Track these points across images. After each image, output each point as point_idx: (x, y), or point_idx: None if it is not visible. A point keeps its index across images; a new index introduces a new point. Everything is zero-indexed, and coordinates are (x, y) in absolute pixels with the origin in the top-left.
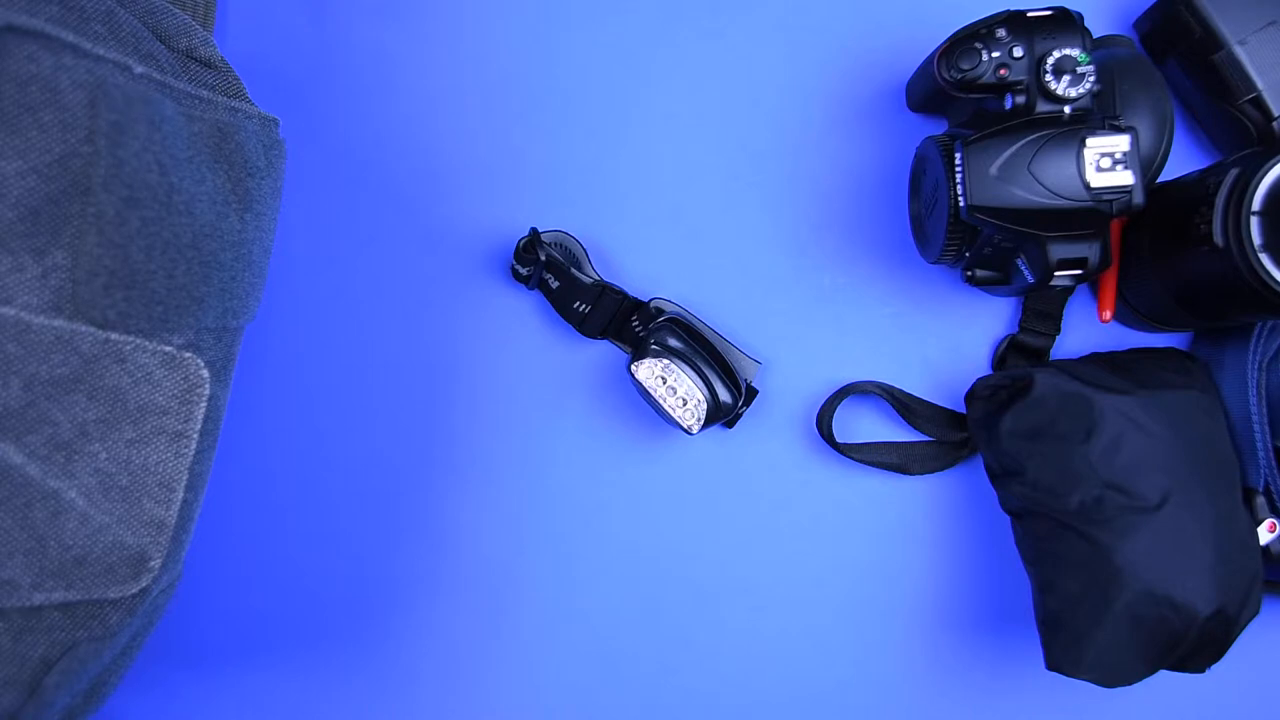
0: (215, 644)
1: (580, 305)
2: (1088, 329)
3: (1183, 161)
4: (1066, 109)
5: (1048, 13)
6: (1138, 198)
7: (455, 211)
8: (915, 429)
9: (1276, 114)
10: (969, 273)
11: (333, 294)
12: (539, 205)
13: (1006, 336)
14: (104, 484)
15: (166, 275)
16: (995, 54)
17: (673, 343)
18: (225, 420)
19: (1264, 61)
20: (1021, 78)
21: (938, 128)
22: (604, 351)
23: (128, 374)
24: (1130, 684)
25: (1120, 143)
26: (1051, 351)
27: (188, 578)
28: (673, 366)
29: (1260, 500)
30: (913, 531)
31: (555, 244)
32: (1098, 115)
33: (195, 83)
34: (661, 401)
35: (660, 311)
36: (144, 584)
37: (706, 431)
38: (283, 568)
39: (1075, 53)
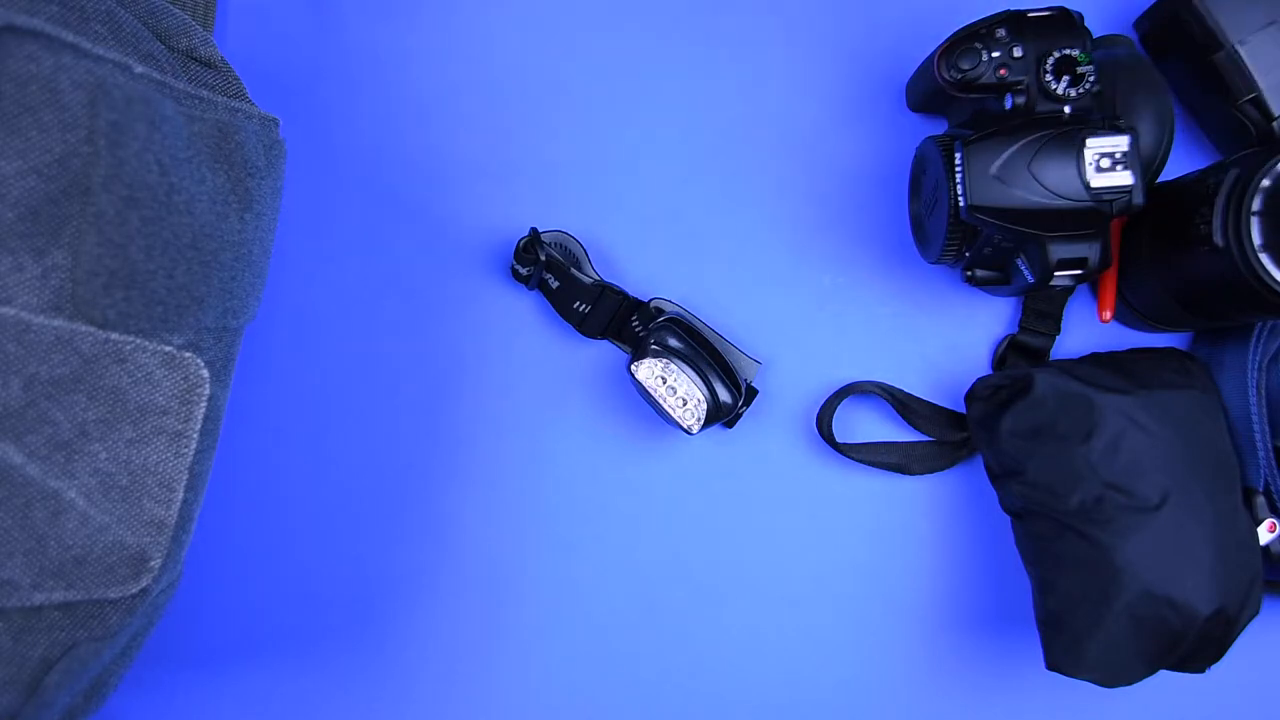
0: (215, 644)
1: (580, 305)
2: (1088, 329)
3: (1183, 161)
4: (1066, 109)
5: (1048, 13)
6: (1138, 198)
7: (455, 211)
8: (915, 429)
9: (1276, 114)
10: (969, 273)
11: (333, 294)
12: (539, 205)
13: (1006, 336)
14: (104, 484)
15: (166, 275)
16: (995, 54)
17: (673, 343)
18: (225, 420)
19: (1264, 61)
20: (1021, 78)
21: (938, 128)
22: (604, 351)
23: (128, 374)
24: (1130, 684)
25: (1120, 143)
26: (1051, 351)
27: (188, 578)
28: (673, 366)
29: (1260, 500)
30: (913, 531)
31: (555, 244)
32: (1098, 115)
33: (195, 83)
34: (661, 401)
35: (660, 311)
36: (144, 584)
37: (706, 431)
38: (283, 568)
39: (1075, 53)
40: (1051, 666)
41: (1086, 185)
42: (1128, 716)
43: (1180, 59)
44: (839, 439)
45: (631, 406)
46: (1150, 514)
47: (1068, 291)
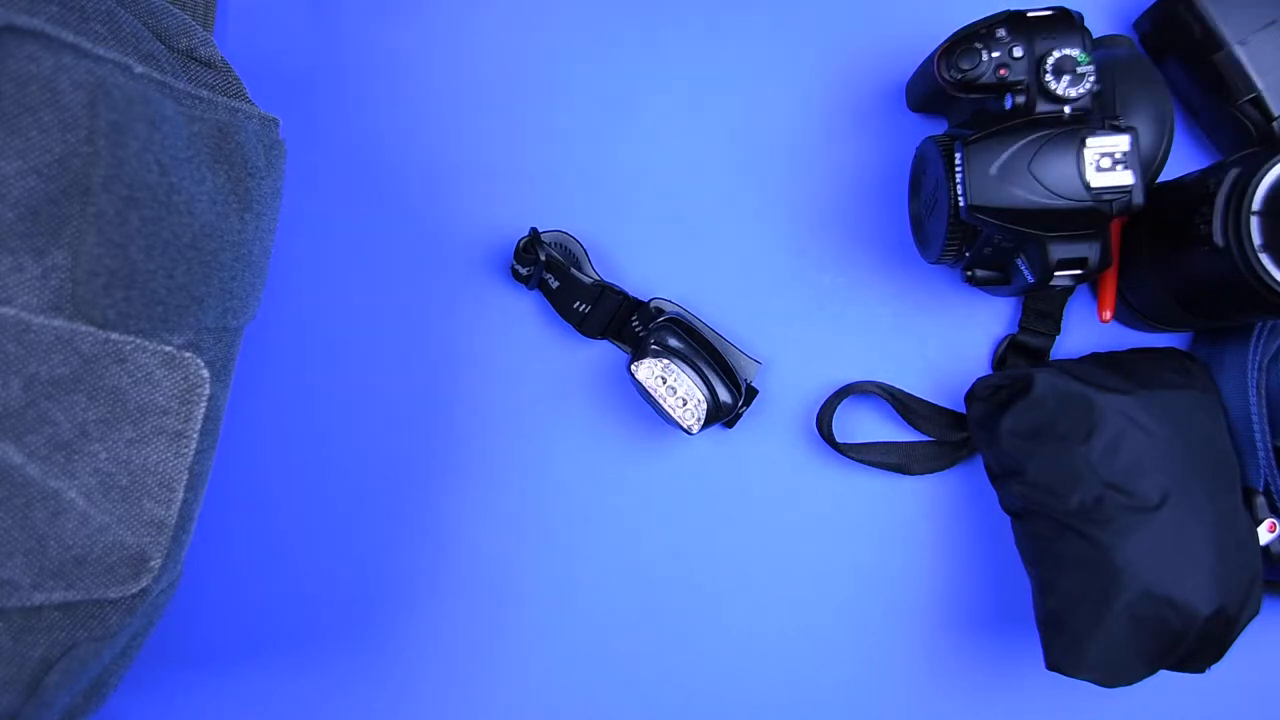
0: (215, 644)
1: (580, 305)
2: (1088, 329)
3: (1183, 161)
4: (1066, 109)
5: (1048, 13)
6: (1138, 198)
7: (455, 211)
8: (915, 429)
9: (1276, 114)
10: (969, 273)
11: (333, 294)
12: (539, 205)
13: (1006, 336)
14: (104, 484)
15: (166, 275)
16: (995, 54)
17: (673, 343)
18: (225, 420)
19: (1264, 61)
20: (1021, 78)
21: (938, 128)
22: (604, 351)
23: (128, 374)
24: (1130, 684)
25: (1120, 143)
26: (1051, 351)
27: (188, 578)
28: (673, 366)
29: (1260, 500)
30: (913, 531)
31: (555, 244)
32: (1098, 115)
33: (195, 83)
34: (661, 401)
35: (660, 311)
36: (144, 584)
37: (706, 431)
38: (283, 568)
39: (1075, 53)
40: (1051, 666)
41: (1086, 185)
42: (1128, 716)
43: (1180, 59)
44: (839, 439)
45: (631, 406)
46: (1150, 514)
47: (1068, 291)
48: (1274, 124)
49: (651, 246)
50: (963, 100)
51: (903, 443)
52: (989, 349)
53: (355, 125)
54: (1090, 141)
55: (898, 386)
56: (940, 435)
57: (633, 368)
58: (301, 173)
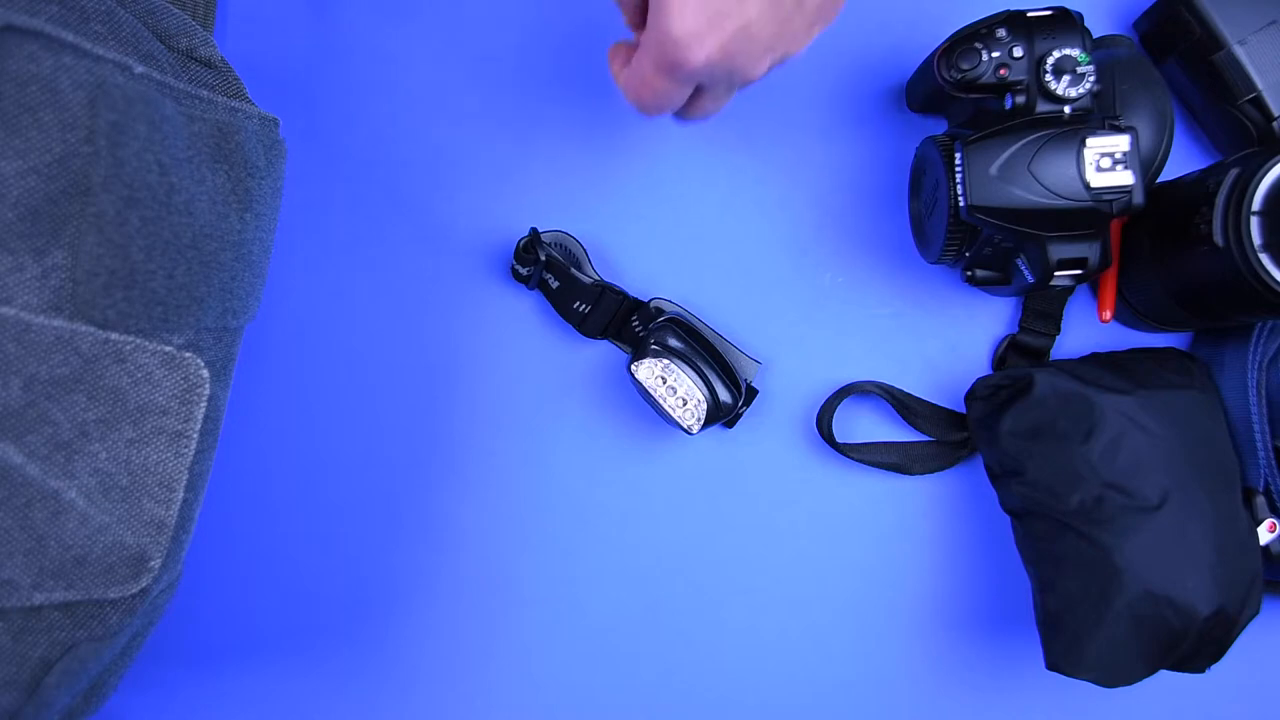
0: (215, 644)
1: (580, 305)
2: (1088, 329)
3: (1183, 161)
4: (1066, 109)
5: (1048, 13)
6: (1138, 198)
7: (455, 211)
8: (915, 429)
9: (1276, 114)
10: (969, 273)
11: (333, 294)
12: (539, 205)
13: (1006, 336)
14: (104, 484)
15: (166, 275)
16: (995, 54)
17: (673, 343)
18: (225, 420)
19: (1264, 61)
20: (1021, 78)
21: (938, 128)
22: (604, 351)
23: (128, 374)
24: (1130, 684)
25: (1120, 143)
26: (1051, 351)
27: (188, 578)
28: (673, 366)
29: (1260, 500)
30: (913, 531)
31: (555, 244)
32: (1098, 115)
33: (195, 83)
34: (661, 401)
35: (660, 311)
36: (144, 584)
37: (706, 431)
38: (282, 568)
39: (1075, 53)
40: (1051, 666)
41: (1086, 185)
42: (1128, 716)
43: (1180, 59)
44: (839, 439)
45: (631, 406)
46: (1150, 514)
47: (1068, 291)
48: (1274, 124)
49: (651, 246)
50: (963, 100)
51: (903, 443)
52: (989, 349)
53: (355, 125)
54: (1090, 141)
55: (898, 386)
56: (940, 435)
57: (633, 368)
58: (301, 173)
